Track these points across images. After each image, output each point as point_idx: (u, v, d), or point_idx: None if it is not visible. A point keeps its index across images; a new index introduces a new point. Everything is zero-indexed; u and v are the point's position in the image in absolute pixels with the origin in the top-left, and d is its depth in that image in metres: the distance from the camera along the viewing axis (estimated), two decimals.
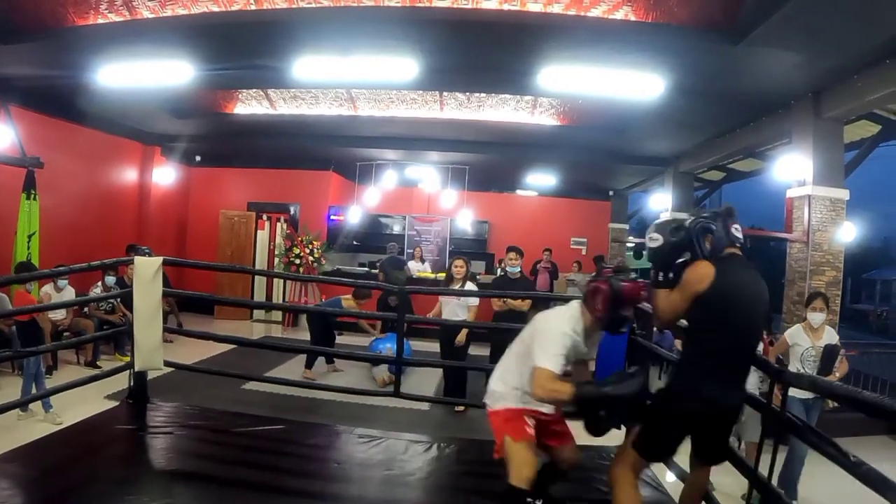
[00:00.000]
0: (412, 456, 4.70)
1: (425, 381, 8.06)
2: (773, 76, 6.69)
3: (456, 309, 7.22)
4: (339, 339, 9.15)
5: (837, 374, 5.38)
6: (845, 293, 7.22)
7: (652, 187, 14.81)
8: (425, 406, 7.15)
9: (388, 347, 8.08)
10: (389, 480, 4.23)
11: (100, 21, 6.76)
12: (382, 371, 8.21)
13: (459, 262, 7.23)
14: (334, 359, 8.91)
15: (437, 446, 4.90)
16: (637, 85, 6.88)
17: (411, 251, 15.08)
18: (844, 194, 7.25)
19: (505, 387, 3.52)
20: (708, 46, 6.01)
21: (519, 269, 7.53)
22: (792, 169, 7.50)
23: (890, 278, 37.12)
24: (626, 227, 17.28)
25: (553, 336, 3.23)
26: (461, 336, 7.24)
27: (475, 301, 7.27)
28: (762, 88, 7.15)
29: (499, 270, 11.63)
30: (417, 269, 13.38)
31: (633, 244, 16.72)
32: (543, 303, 12.43)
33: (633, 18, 5.86)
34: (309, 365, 8.52)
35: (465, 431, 6.20)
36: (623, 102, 7.96)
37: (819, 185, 7.15)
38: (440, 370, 7.88)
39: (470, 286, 7.29)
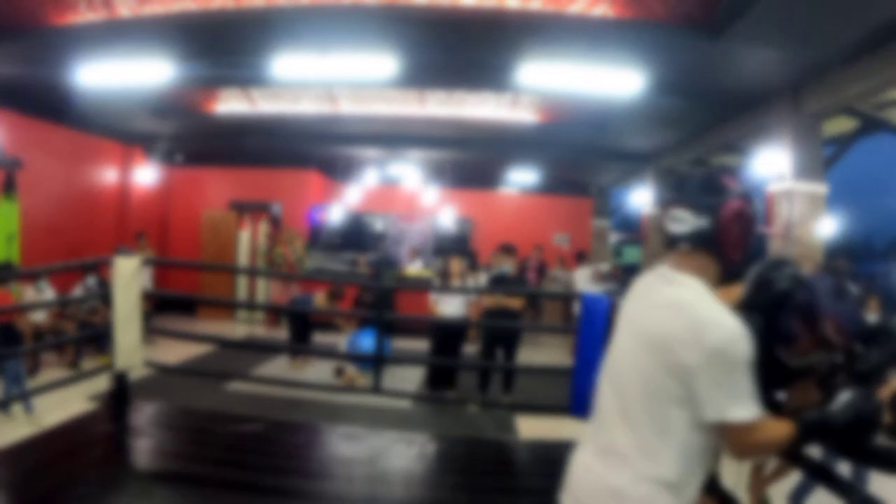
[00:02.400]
0: (396, 453, 4.70)
1: (408, 378, 8.07)
2: (753, 72, 6.74)
3: (461, 306, 7.55)
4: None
5: (885, 393, 4.51)
6: None
7: (633, 183, 14.89)
8: (408, 404, 7.16)
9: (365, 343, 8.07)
10: (373, 478, 4.23)
11: (79, 21, 6.71)
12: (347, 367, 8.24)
13: (457, 261, 7.41)
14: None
15: (421, 443, 4.91)
16: (617, 81, 6.90)
17: (395, 249, 15.12)
18: (823, 189, 7.31)
19: (669, 487, 1.76)
20: (687, 43, 6.03)
21: (508, 268, 7.63)
22: (772, 164, 7.57)
23: (873, 272, 37.48)
24: (609, 223, 17.35)
25: (737, 352, 1.70)
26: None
27: (475, 296, 7.75)
28: (742, 84, 7.20)
29: (482, 270, 11.68)
30: (414, 267, 13.45)
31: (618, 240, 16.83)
32: (535, 302, 12.58)
33: (611, 15, 5.88)
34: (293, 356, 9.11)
35: (448, 428, 6.22)
36: (603, 99, 7.97)
37: (799, 180, 7.21)
38: (422, 367, 7.97)
39: (474, 280, 7.60)
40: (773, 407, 2.28)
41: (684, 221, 1.85)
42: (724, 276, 1.89)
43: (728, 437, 1.74)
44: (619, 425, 1.86)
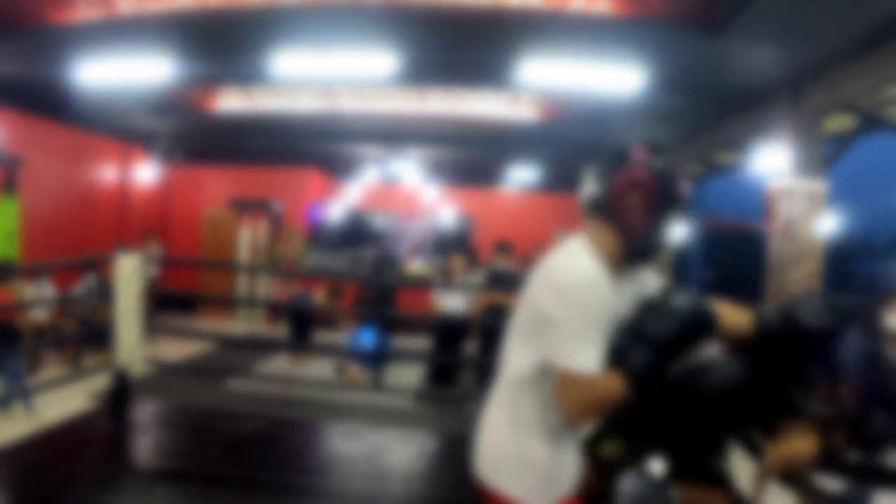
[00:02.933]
0: (396, 451, 4.71)
1: (409, 375, 8.07)
2: (753, 69, 6.74)
3: (460, 303, 7.55)
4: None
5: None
6: (829, 285, 7.32)
7: None
8: (408, 401, 7.16)
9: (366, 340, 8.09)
10: (374, 475, 4.24)
11: (78, 18, 6.70)
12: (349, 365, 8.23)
13: (458, 258, 7.41)
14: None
15: (421, 441, 4.92)
16: (617, 79, 6.90)
17: (395, 247, 15.12)
18: (823, 187, 7.31)
19: (534, 437, 1.83)
20: (687, 40, 6.03)
21: (504, 266, 7.63)
22: (772, 161, 7.57)
23: (874, 269, 37.42)
24: None
25: (581, 295, 1.66)
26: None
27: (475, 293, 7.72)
28: (742, 82, 7.20)
29: (482, 268, 11.68)
30: (415, 265, 13.45)
31: None
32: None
33: (611, 12, 5.88)
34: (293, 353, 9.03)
35: (448, 425, 6.22)
36: (603, 96, 7.98)
37: (798, 177, 7.21)
38: (422, 364, 7.98)
39: (476, 276, 7.61)
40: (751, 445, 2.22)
41: (587, 188, 1.87)
42: (630, 251, 1.80)
43: (559, 389, 1.69)
44: (500, 379, 2.00)
